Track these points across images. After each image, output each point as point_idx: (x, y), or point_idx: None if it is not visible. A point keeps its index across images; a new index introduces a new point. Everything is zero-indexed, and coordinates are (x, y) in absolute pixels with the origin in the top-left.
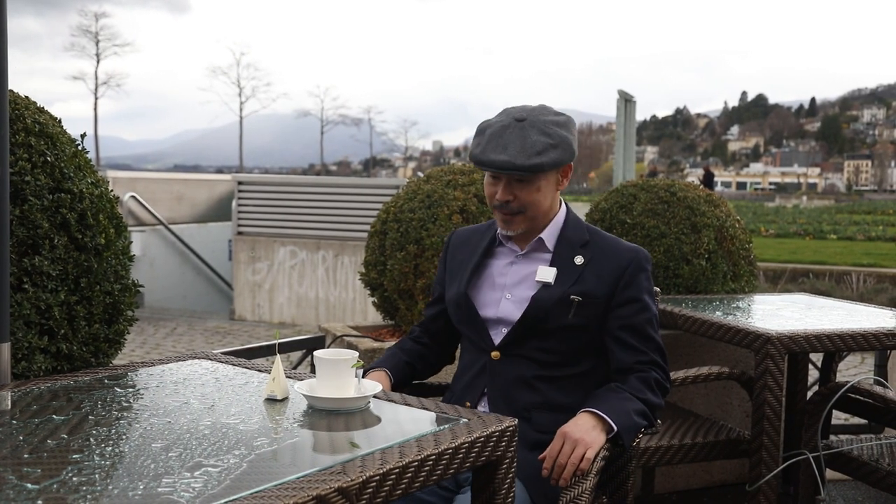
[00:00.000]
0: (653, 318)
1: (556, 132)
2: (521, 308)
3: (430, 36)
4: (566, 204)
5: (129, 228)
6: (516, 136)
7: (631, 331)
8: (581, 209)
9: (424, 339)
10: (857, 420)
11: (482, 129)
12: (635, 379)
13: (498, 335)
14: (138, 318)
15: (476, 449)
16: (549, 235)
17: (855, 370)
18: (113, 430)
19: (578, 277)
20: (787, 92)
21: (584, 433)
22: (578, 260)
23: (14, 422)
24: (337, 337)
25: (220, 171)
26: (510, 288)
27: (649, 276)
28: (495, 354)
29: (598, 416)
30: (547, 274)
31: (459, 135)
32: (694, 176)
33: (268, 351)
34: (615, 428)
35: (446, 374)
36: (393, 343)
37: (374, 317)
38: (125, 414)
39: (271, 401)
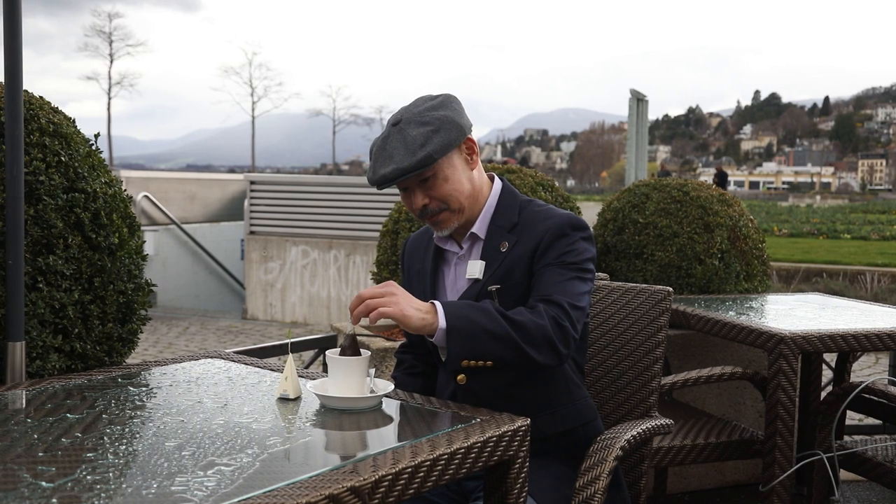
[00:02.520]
0: (569, 275)
1: (433, 117)
2: None
3: (440, 34)
4: (501, 180)
5: (142, 228)
6: (397, 141)
7: (538, 282)
8: (593, 209)
9: (420, 366)
10: (871, 420)
11: (370, 150)
12: (523, 307)
13: None
14: (151, 318)
15: (489, 448)
16: (482, 225)
17: (869, 370)
18: (126, 429)
19: (500, 265)
20: (800, 91)
21: (407, 304)
22: (504, 246)
23: (28, 420)
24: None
25: (232, 170)
26: (461, 292)
27: (577, 241)
28: (461, 378)
29: (434, 313)
30: (475, 269)
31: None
32: (707, 175)
33: (280, 350)
34: (441, 325)
35: None
36: (402, 342)
37: None
38: (139, 413)
39: (284, 400)
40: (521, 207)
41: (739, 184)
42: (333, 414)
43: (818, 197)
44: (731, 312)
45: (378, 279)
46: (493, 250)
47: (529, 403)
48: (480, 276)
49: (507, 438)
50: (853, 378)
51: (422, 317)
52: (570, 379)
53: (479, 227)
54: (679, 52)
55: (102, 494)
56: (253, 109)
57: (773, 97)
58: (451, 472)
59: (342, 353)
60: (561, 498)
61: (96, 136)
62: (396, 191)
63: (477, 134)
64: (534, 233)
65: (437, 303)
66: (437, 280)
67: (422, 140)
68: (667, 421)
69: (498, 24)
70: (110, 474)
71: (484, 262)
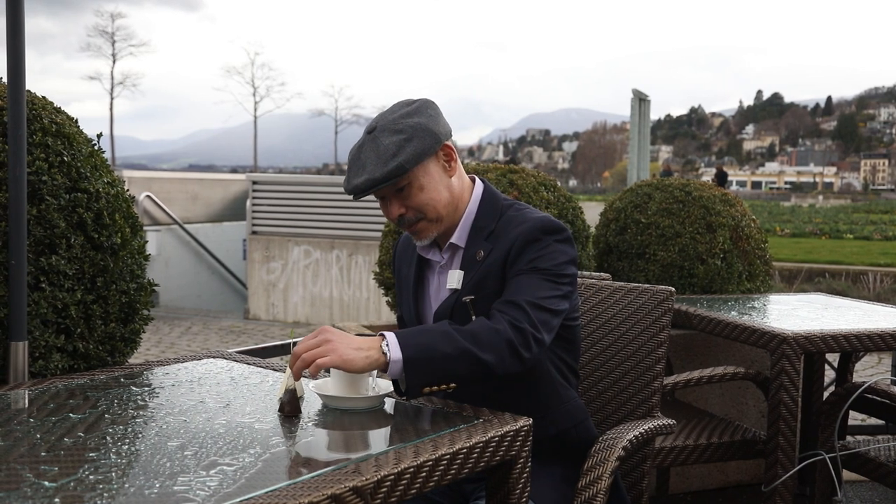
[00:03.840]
0: (535, 280)
1: (406, 124)
2: None
3: (442, 34)
4: (483, 183)
5: (145, 228)
6: (370, 150)
7: (504, 294)
8: (595, 209)
9: None
10: (874, 421)
11: (348, 158)
12: (483, 317)
13: None
14: (153, 318)
15: (491, 448)
16: (461, 234)
17: (872, 370)
18: (129, 429)
19: (475, 274)
20: (803, 90)
21: (345, 347)
22: (480, 255)
23: (31, 420)
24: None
25: (234, 170)
26: (441, 302)
27: (550, 245)
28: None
29: (378, 348)
30: (454, 279)
31: (473, 134)
32: (708, 175)
33: (282, 350)
34: (395, 357)
35: None
36: None
37: (388, 316)
38: (141, 412)
39: None
40: (501, 213)
41: (742, 184)
42: (336, 414)
43: (821, 197)
44: (733, 312)
45: (380, 279)
46: (470, 259)
47: (518, 408)
48: (458, 286)
49: (509, 438)
50: (856, 378)
51: (365, 356)
52: (557, 381)
53: (459, 237)
54: (681, 52)
55: (105, 494)
56: (255, 109)
57: (776, 97)
58: (453, 472)
59: (280, 410)
60: (562, 499)
61: (99, 136)
62: None
63: (478, 134)
64: (506, 239)
65: (386, 335)
66: (422, 289)
67: (394, 149)
68: (669, 421)
69: (499, 24)
70: (113, 474)
71: (462, 272)
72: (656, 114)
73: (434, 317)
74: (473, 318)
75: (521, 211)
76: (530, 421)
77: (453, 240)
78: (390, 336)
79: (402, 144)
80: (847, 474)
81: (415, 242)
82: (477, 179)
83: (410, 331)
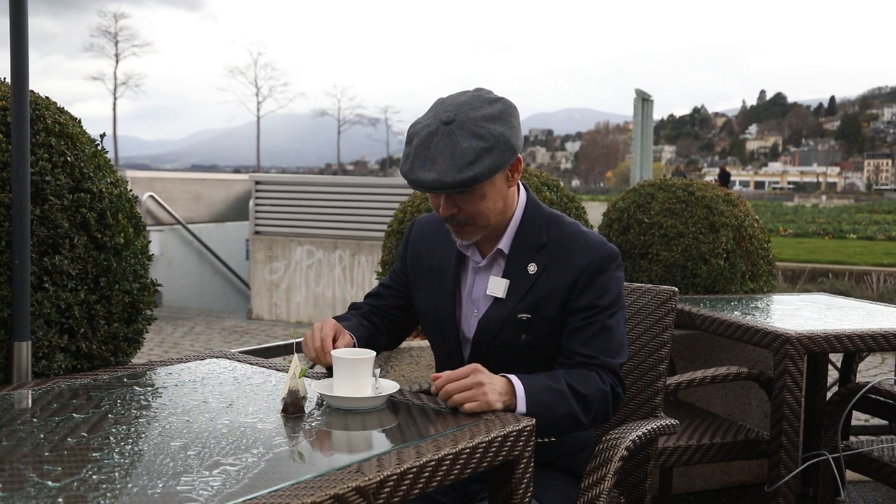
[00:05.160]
0: (612, 325)
1: (489, 131)
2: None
3: (444, 34)
4: (527, 191)
5: (148, 228)
6: (444, 146)
7: (583, 333)
8: (598, 209)
9: (375, 319)
10: (877, 421)
11: (410, 137)
12: (584, 371)
13: (467, 353)
14: (157, 318)
15: (493, 449)
16: (507, 240)
17: (875, 370)
18: (132, 429)
19: (530, 289)
20: (806, 90)
21: (492, 392)
22: (532, 268)
23: (35, 420)
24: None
25: (237, 170)
26: (476, 303)
27: (614, 276)
28: None
29: (512, 393)
30: (497, 287)
31: None
32: (711, 176)
33: (285, 350)
34: (520, 409)
35: None
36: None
37: None
38: (144, 412)
39: None
40: (548, 224)
41: (745, 184)
42: (338, 414)
43: (824, 197)
44: (736, 312)
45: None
46: (518, 270)
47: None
48: (503, 296)
49: (511, 438)
50: (859, 378)
51: (503, 401)
52: None
53: (505, 244)
54: (683, 52)
55: (108, 494)
56: (258, 109)
57: (779, 97)
58: (455, 472)
59: (283, 410)
60: (565, 499)
61: (102, 136)
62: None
63: None
64: (569, 263)
65: (515, 384)
66: (455, 283)
67: (472, 156)
68: (672, 421)
69: (500, 24)
70: (116, 474)
71: (508, 281)
72: (659, 114)
73: (478, 324)
74: (523, 336)
75: (575, 229)
76: (532, 421)
77: (501, 246)
78: (519, 389)
79: (481, 154)
80: (850, 474)
81: (455, 240)
82: (521, 188)
83: (536, 385)
